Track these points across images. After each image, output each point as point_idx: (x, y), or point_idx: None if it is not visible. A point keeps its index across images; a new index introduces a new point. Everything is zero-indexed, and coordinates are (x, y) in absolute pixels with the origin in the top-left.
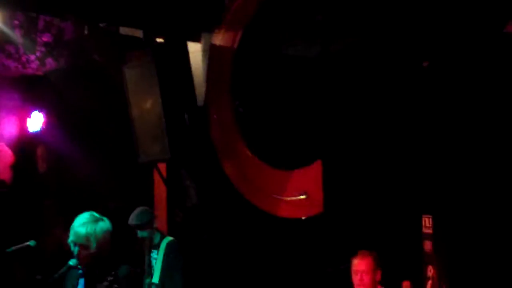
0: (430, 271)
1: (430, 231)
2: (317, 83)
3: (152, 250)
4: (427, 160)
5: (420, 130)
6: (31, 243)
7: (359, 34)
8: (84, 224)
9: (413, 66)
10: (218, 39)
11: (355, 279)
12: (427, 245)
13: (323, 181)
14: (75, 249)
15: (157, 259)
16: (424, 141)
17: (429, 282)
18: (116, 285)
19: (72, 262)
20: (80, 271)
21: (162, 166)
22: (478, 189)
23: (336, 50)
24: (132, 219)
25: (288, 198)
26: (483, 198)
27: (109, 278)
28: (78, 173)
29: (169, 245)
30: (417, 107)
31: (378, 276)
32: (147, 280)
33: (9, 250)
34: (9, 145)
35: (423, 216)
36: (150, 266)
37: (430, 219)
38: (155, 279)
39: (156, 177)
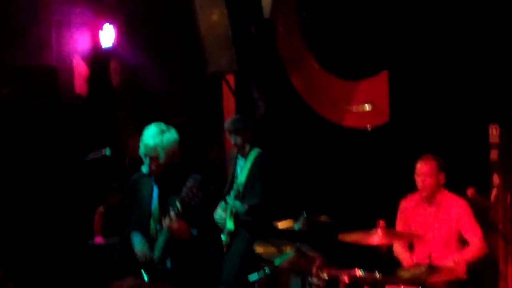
0: (496, 179)
1: (496, 140)
2: None
3: (240, 157)
4: (495, 68)
5: (488, 38)
6: (107, 152)
7: None
8: (151, 136)
9: None
10: None
11: (418, 181)
12: (494, 154)
13: (389, 91)
14: (146, 161)
15: (243, 167)
16: (493, 50)
17: (494, 190)
18: (191, 192)
19: (144, 169)
20: (153, 179)
21: (231, 79)
22: None
23: None
24: (228, 124)
25: (354, 108)
26: None
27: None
28: (149, 85)
29: (258, 156)
30: (483, 14)
31: (442, 179)
32: (230, 186)
33: (86, 158)
34: (83, 59)
35: (490, 125)
36: (234, 172)
37: (497, 128)
38: (239, 185)
39: (225, 90)
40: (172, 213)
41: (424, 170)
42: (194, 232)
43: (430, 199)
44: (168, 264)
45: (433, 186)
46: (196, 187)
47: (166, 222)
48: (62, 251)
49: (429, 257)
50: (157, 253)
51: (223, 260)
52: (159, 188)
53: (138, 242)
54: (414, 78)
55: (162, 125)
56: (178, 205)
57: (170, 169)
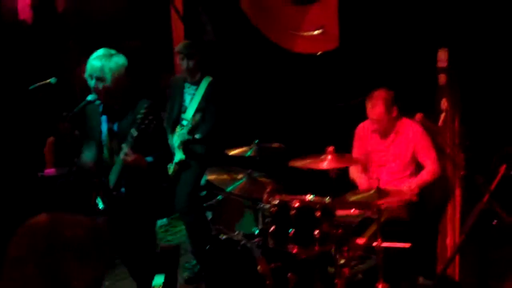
0: (444, 104)
1: (445, 64)
2: None
3: (188, 85)
4: None
5: None
6: (52, 80)
7: None
8: (98, 57)
9: None
10: None
11: (370, 120)
12: (442, 79)
13: (339, 15)
14: (91, 83)
15: (194, 95)
16: None
17: (443, 115)
18: (144, 118)
19: (90, 97)
20: (101, 107)
21: (179, 3)
22: (492, 23)
23: None
24: (181, 47)
25: (305, 33)
26: (498, 32)
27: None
28: (96, 11)
29: (210, 84)
30: None
31: (394, 112)
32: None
33: (31, 87)
34: None
35: (438, 49)
36: (181, 101)
37: (446, 53)
38: (189, 114)
39: (174, 15)
40: (125, 146)
41: (375, 116)
42: (149, 159)
43: (384, 132)
44: (123, 190)
45: (385, 123)
46: (151, 113)
47: (121, 154)
48: (12, 183)
49: (378, 180)
50: (112, 180)
51: (174, 189)
52: (107, 116)
53: (88, 153)
54: (363, 2)
55: (110, 50)
56: (135, 133)
57: (117, 94)
